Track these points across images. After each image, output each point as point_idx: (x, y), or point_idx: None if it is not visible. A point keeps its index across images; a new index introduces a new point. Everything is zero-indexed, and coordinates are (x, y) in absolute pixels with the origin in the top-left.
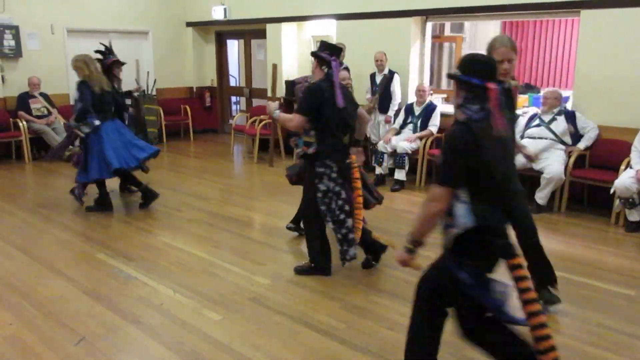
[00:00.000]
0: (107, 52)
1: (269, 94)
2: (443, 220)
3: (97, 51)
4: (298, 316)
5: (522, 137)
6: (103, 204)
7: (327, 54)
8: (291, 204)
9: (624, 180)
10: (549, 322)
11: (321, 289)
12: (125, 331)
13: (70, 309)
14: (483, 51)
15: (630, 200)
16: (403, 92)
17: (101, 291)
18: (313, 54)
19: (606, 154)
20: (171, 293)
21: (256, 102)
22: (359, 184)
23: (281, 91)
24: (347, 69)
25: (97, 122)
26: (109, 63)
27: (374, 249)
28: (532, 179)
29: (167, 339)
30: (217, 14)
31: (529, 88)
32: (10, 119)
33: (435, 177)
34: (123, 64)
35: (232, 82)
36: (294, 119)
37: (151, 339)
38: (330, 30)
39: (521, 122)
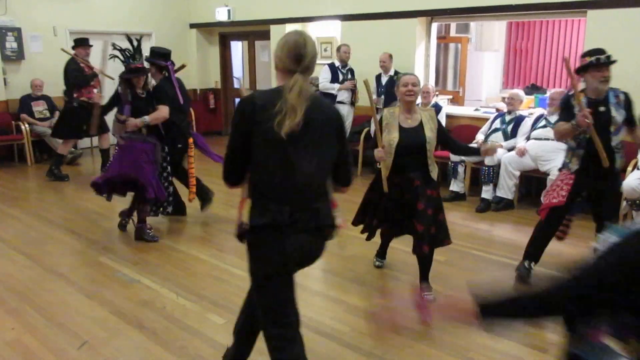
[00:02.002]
0: (131, 55)
1: None
2: None
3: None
4: (302, 320)
5: (528, 138)
6: None
7: (163, 60)
8: None
9: (630, 182)
10: None
11: (325, 292)
12: (128, 335)
13: (72, 312)
14: (489, 52)
15: (637, 202)
16: None
17: (104, 295)
18: (149, 61)
19: None
20: (174, 297)
21: None
22: (191, 160)
23: None
24: (351, 70)
25: None
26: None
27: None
28: (539, 180)
29: (170, 342)
30: (221, 15)
31: (535, 89)
32: (13, 122)
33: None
34: (142, 70)
35: (236, 84)
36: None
37: (154, 343)
38: (334, 31)
39: (527, 123)
